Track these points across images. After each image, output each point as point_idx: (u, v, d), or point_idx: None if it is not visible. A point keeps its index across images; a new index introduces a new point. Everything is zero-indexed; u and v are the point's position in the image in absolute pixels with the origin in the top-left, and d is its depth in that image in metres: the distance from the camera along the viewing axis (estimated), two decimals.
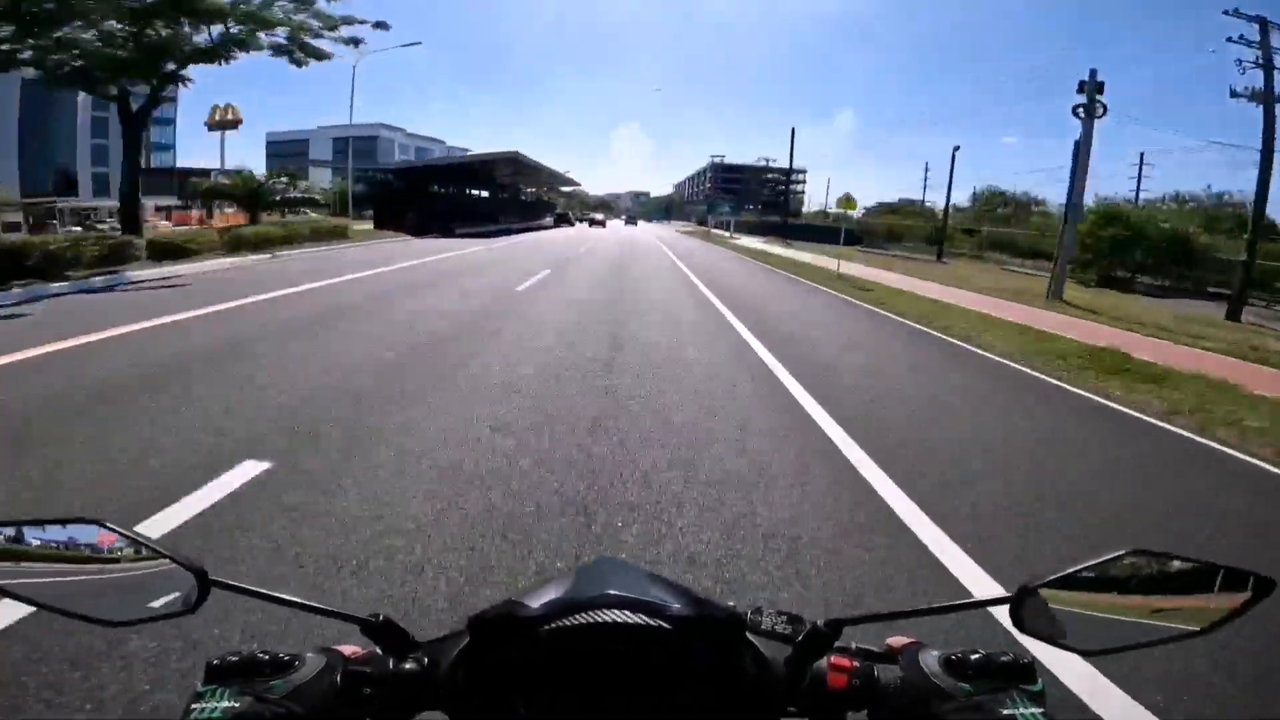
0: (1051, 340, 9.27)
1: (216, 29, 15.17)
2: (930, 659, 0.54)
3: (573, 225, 65.94)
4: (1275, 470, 4.38)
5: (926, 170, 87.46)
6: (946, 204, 41.22)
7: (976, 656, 0.53)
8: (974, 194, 56.58)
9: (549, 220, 67.07)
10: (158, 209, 27.92)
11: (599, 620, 0.49)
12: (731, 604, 0.54)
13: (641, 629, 0.49)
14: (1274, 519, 3.60)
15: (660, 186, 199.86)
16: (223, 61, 15.40)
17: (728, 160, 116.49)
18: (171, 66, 15.04)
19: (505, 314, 8.61)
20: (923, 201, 60.48)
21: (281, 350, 5.79)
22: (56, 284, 9.05)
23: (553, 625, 0.49)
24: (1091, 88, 15.66)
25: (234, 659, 0.51)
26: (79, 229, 19.21)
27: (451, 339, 6.77)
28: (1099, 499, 3.57)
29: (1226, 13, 16.29)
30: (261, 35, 16.04)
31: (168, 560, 0.53)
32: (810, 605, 2.32)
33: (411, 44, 38.08)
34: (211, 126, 36.31)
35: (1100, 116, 15.76)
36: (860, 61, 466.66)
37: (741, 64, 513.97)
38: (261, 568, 2.35)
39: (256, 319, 7.26)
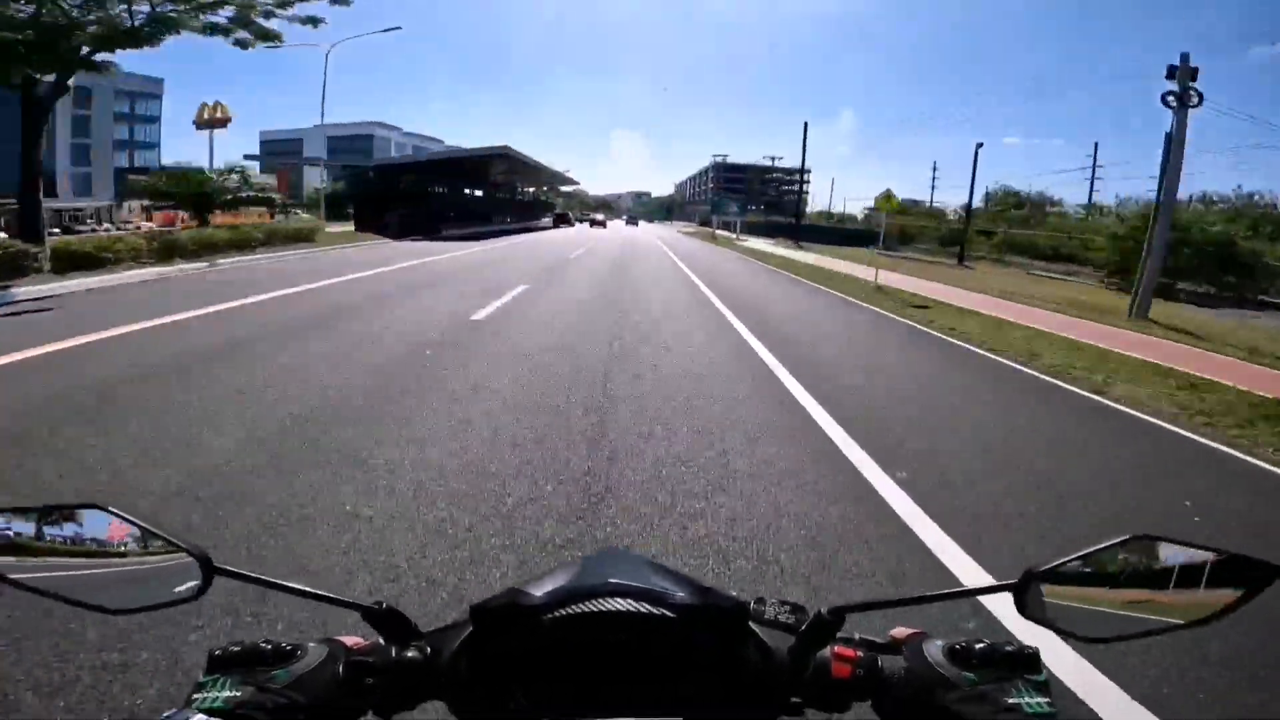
0: (1207, 389, 6.92)
1: (142, 8, 13.25)
2: (934, 649, 0.53)
3: (573, 225, 63.93)
4: None
5: (935, 170, 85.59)
6: (969, 205, 39.22)
7: (981, 646, 0.52)
8: (986, 194, 54.48)
9: (547, 221, 64.80)
10: (144, 208, 27.46)
11: (602, 609, 0.48)
12: (734, 593, 0.53)
13: (645, 618, 0.48)
14: None
15: (661, 186, 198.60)
16: (150, 45, 13.48)
17: (730, 160, 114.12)
18: (85, 50, 13.06)
19: (426, 382, 5.50)
20: (930, 202, 58.89)
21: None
22: None
23: (556, 614, 0.48)
24: (1184, 74, 13.21)
25: (236, 648, 0.50)
26: (58, 231, 18.56)
27: (337, 424, 4.45)
28: None
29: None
30: (200, 17, 14.18)
31: (171, 547, 0.52)
32: None
33: (391, 29, 34.65)
34: (200, 125, 34.68)
35: (1195, 106, 13.28)
36: (861, 62, 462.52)
37: (742, 64, 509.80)
38: None
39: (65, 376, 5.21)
